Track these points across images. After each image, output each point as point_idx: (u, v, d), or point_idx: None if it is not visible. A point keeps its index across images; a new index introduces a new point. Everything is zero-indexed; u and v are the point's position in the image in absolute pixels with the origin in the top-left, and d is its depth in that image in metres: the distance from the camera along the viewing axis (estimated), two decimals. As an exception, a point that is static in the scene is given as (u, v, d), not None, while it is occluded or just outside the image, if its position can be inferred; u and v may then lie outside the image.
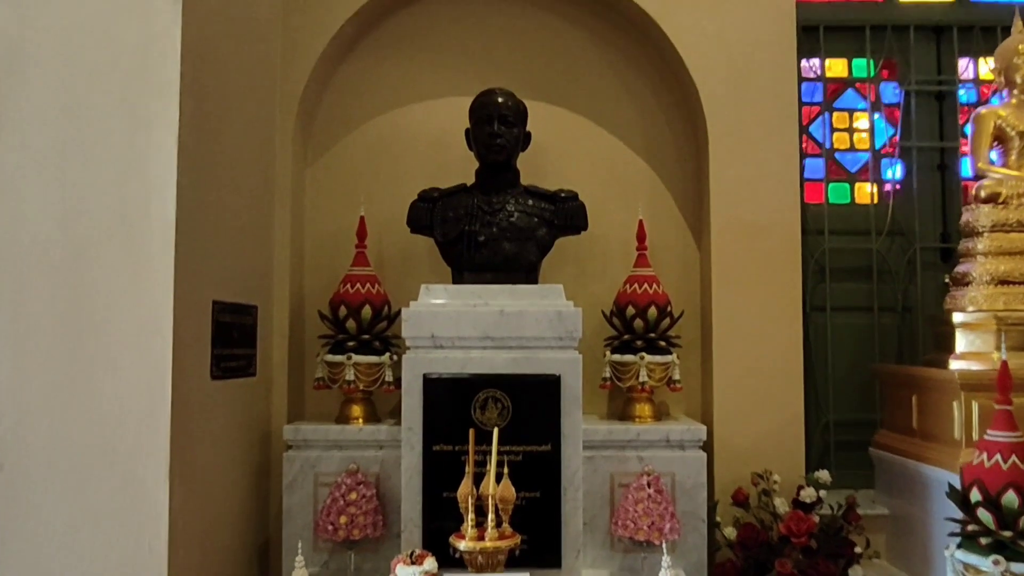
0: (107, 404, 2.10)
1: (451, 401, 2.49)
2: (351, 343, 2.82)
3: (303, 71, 3.02)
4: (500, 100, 2.74)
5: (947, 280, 2.90)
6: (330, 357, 2.84)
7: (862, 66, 3.48)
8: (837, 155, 3.48)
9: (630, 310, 2.91)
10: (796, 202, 3.04)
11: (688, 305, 3.12)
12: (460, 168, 2.94)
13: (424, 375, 2.50)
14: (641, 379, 2.84)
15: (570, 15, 3.27)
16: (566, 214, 2.79)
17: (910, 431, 2.84)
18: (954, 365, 2.65)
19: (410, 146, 3.22)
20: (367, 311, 2.84)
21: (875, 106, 3.46)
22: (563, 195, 2.80)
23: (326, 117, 3.23)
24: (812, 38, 3.38)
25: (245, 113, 2.69)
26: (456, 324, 2.52)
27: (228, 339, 2.53)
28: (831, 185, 3.45)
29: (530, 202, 2.77)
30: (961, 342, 2.71)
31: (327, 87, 3.23)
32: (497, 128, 2.69)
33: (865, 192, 3.46)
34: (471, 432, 2.23)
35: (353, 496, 2.57)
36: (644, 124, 3.27)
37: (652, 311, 2.89)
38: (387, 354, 2.84)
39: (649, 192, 3.23)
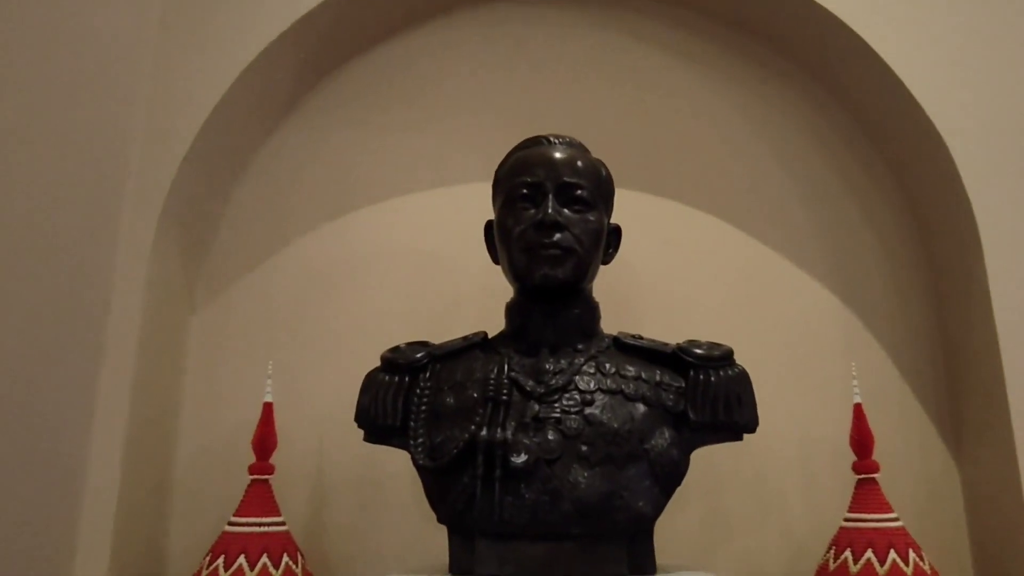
0: None
1: None
2: None
3: (176, 149, 1.59)
4: (559, 156, 1.25)
5: None
6: None
7: None
8: None
9: (869, 620, 1.26)
10: None
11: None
12: (468, 310, 1.49)
13: None
14: None
15: (684, 46, 1.87)
16: (716, 394, 1.17)
17: None
18: None
19: (376, 270, 1.74)
20: (255, 628, 1.24)
21: None
22: (700, 352, 1.21)
23: (231, 227, 1.77)
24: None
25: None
26: None
27: None
28: None
29: (630, 369, 1.20)
30: None
31: (238, 176, 1.80)
32: (553, 209, 1.19)
33: None
34: None
35: None
36: (841, 237, 1.76)
37: (921, 622, 1.25)
38: None
39: (859, 359, 1.63)
